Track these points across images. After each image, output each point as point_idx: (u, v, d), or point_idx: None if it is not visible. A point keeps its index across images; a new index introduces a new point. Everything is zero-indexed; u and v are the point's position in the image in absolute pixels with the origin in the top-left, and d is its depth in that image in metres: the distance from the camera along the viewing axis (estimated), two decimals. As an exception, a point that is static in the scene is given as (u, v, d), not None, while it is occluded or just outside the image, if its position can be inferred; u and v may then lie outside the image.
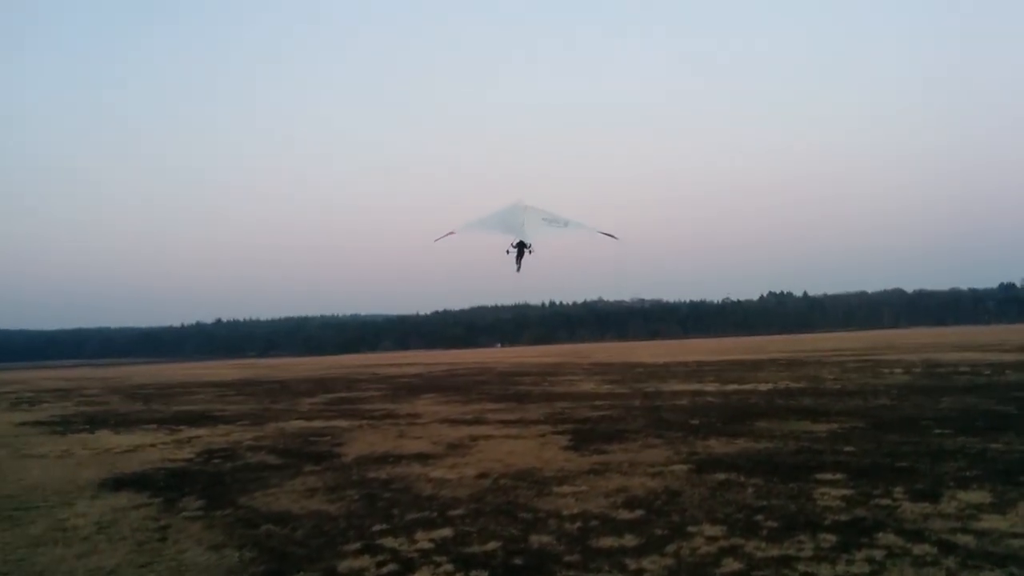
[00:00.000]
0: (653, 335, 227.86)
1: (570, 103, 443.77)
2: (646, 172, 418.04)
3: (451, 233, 21.79)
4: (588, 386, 35.91)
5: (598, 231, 22.26)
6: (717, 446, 15.86)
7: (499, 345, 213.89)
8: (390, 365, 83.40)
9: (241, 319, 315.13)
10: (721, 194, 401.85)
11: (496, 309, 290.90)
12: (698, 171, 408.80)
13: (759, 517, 9.90)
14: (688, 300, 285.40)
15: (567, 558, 8.56)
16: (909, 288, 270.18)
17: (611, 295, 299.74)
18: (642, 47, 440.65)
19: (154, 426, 25.18)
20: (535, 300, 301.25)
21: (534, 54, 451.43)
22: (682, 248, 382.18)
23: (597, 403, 26.53)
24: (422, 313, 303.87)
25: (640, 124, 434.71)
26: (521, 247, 20.72)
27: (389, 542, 9.50)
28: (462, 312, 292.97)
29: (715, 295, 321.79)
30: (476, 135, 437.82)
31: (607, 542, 9.08)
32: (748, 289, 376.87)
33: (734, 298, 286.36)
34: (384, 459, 15.95)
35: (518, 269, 20.92)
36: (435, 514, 10.80)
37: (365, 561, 8.83)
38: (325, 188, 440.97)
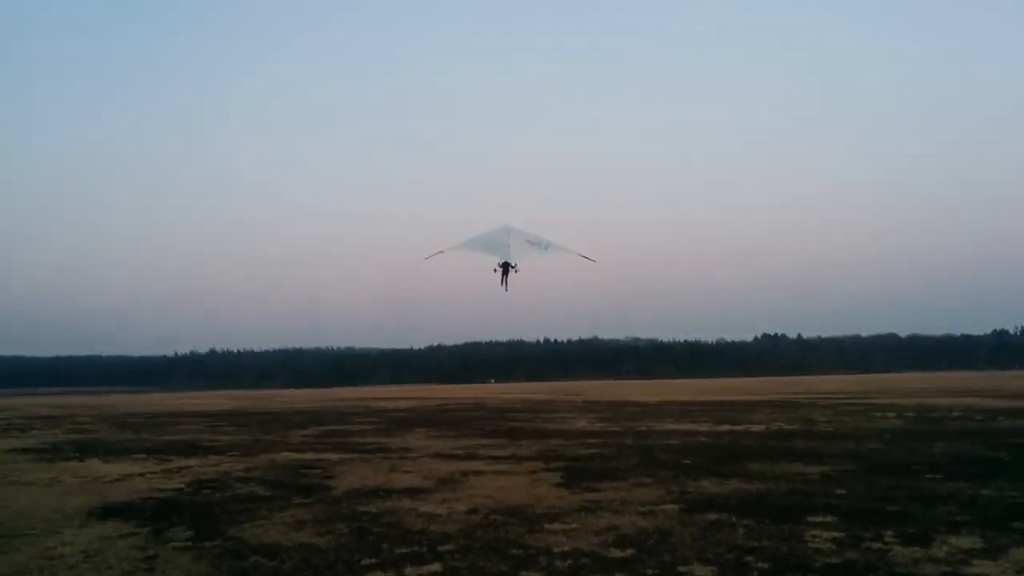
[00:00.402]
0: (647, 374, 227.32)
1: (570, 140, 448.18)
2: (644, 213, 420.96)
3: (441, 252, 23.25)
4: (581, 424, 35.75)
5: (577, 253, 23.92)
6: (709, 486, 15.80)
7: (492, 381, 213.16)
8: (383, 398, 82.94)
9: (235, 350, 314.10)
10: (717, 236, 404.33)
11: (490, 345, 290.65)
12: (695, 213, 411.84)
13: (750, 558, 9.85)
14: (683, 340, 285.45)
15: (556, 596, 8.48)
16: (903, 333, 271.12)
17: (606, 334, 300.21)
18: (642, 92, 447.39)
19: (144, 455, 24.97)
20: (530, 337, 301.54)
21: (535, 87, 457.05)
22: (677, 288, 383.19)
23: (589, 441, 26.42)
24: (416, 347, 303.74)
25: (638, 165, 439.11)
26: (506, 267, 22.16)
27: (378, 576, 9.41)
28: (456, 347, 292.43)
29: (710, 336, 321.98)
30: (473, 168, 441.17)
31: (597, 580, 9.01)
32: (742, 330, 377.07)
33: (728, 339, 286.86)
34: (375, 493, 15.83)
35: (505, 287, 22.37)
36: (425, 549, 10.72)
37: (353, 595, 8.74)
38: (322, 219, 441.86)
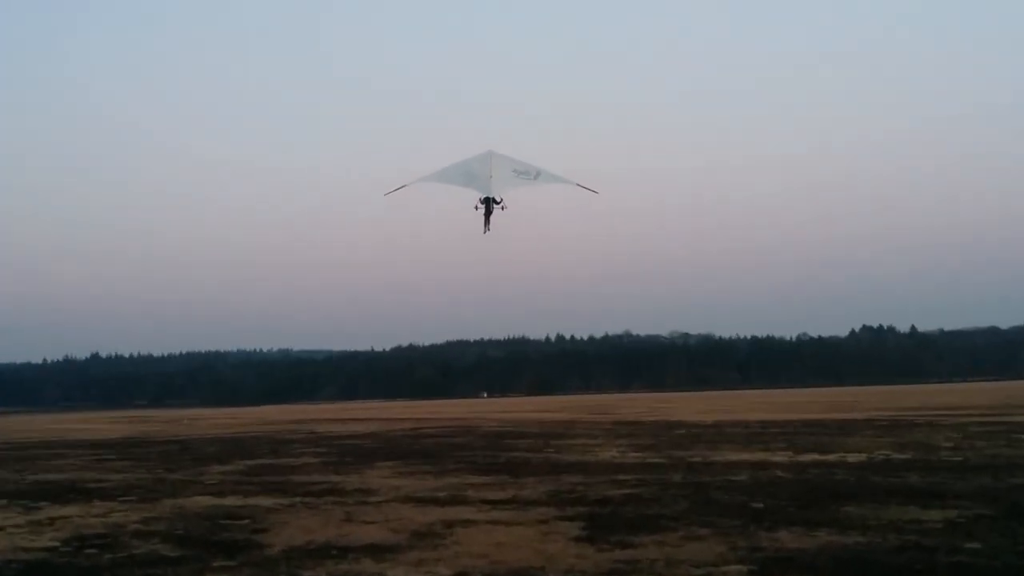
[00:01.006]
0: (700, 383, 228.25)
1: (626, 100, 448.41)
2: (697, 173, 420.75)
3: (404, 186, 24.91)
4: (609, 453, 35.91)
5: (576, 183, 25.81)
6: (789, 540, 15.87)
7: (485, 395, 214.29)
8: (334, 420, 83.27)
9: (126, 354, 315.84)
10: (797, 197, 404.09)
11: (481, 345, 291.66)
12: (765, 167, 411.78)
13: (847, 640, 9.90)
14: (749, 336, 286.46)
15: None
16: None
17: (642, 328, 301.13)
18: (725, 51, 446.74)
19: (4, 501, 25.06)
20: (536, 333, 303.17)
21: (554, 45, 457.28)
22: (741, 266, 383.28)
23: (621, 477, 26.53)
24: (378, 349, 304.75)
25: (680, 111, 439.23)
26: (489, 203, 23.40)
27: (330, 668, 9.48)
28: (434, 348, 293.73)
29: (787, 330, 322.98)
30: (470, 130, 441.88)
31: (635, 672, 9.07)
32: (834, 322, 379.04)
33: (814, 334, 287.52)
34: (324, 552, 15.90)
35: (486, 229, 23.94)
36: (395, 630, 10.78)
37: None
38: (247, 186, 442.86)
